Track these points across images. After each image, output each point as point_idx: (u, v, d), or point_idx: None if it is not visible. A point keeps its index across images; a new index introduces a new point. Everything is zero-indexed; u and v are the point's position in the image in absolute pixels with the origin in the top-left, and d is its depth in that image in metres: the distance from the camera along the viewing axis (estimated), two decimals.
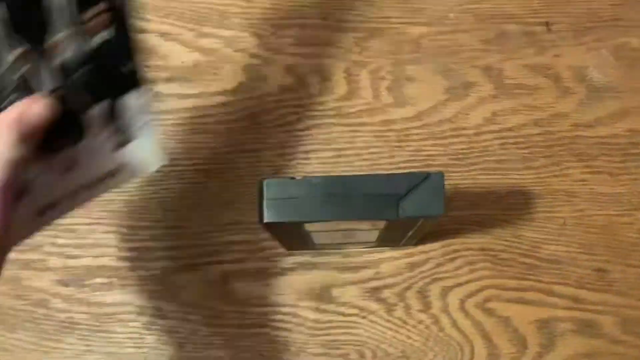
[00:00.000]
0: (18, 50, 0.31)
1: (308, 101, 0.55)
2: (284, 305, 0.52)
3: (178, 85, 0.56)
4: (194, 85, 0.56)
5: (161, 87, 0.55)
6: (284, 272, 0.53)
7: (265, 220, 0.35)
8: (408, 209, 0.35)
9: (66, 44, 0.33)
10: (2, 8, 0.30)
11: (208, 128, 0.55)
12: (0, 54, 0.31)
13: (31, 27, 0.31)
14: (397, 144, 0.54)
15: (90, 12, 0.33)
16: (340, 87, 0.55)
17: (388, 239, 0.47)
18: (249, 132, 0.55)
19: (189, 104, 0.55)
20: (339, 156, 0.54)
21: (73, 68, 0.34)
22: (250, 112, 0.55)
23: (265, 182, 0.35)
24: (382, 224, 0.39)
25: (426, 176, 0.35)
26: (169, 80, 0.56)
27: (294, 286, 0.53)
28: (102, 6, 0.33)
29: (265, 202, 0.35)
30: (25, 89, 0.32)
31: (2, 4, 0.30)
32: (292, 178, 0.36)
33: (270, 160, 0.54)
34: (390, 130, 0.55)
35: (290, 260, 0.53)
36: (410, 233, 0.44)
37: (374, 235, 0.45)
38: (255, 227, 0.53)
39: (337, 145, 0.55)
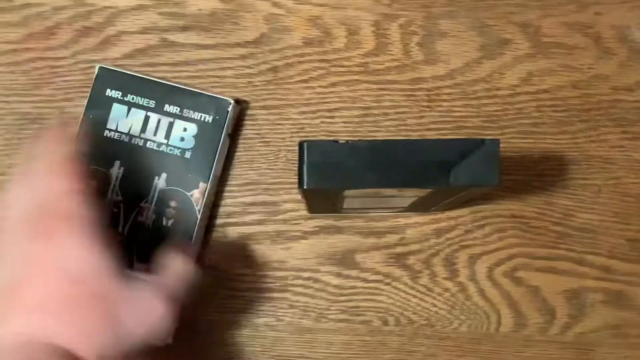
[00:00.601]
0: (116, 199, 0.47)
1: (333, 56, 0.52)
2: (305, 270, 0.51)
3: (195, 34, 0.52)
4: (211, 35, 0.52)
5: (176, 37, 0.52)
6: (305, 235, 0.51)
7: (306, 186, 0.33)
8: (460, 177, 0.33)
9: (151, 212, 0.48)
10: (120, 169, 0.47)
11: (226, 82, 0.52)
12: (107, 199, 0.47)
13: (132, 189, 0.47)
14: (426, 103, 0.51)
15: (172, 202, 0.48)
16: (368, 41, 0.52)
17: (421, 205, 0.45)
18: (270, 87, 0.52)
19: (206, 55, 0.52)
20: (365, 115, 0.52)
21: (145, 229, 0.48)
22: (271, 66, 0.52)
23: (306, 144, 0.33)
24: (426, 191, 0.37)
25: (480, 143, 0.33)
26: (184, 29, 0.52)
27: (316, 250, 0.51)
28: (175, 203, 0.48)
29: (305, 167, 0.33)
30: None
31: (121, 168, 0.47)
32: (335, 141, 0.33)
33: (293, 117, 0.52)
34: (420, 88, 0.52)
35: (312, 224, 0.51)
36: (448, 200, 0.41)
37: (408, 201, 0.42)
38: (276, 187, 0.51)
39: (363, 104, 0.52)
